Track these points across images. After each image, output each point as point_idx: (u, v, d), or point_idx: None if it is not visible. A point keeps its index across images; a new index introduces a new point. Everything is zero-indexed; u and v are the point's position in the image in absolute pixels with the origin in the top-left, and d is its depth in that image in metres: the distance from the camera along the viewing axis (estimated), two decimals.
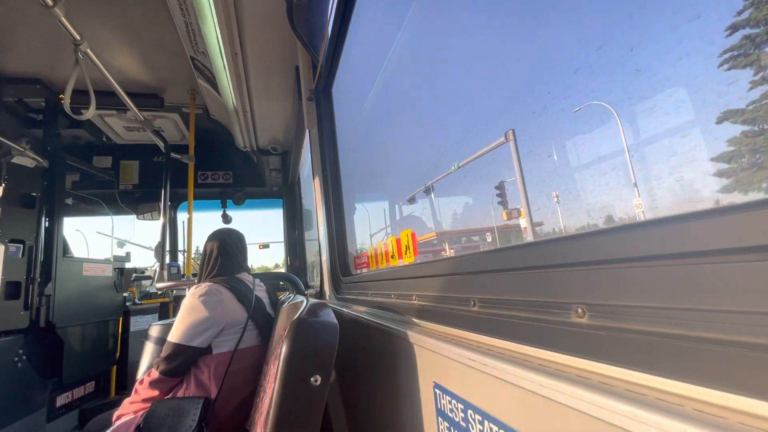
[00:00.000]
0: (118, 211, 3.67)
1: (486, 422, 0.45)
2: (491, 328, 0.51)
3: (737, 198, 0.56)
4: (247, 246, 1.94)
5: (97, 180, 3.44)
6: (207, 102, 2.82)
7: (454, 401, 0.53)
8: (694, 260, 0.29)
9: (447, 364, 0.55)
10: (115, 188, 3.46)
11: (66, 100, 1.86)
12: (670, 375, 0.29)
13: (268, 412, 0.61)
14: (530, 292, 0.46)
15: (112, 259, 3.28)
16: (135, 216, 3.74)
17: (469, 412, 0.49)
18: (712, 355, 0.27)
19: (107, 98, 2.59)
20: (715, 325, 0.27)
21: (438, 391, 0.58)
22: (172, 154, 2.82)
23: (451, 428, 0.54)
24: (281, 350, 0.63)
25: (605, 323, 0.35)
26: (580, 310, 0.38)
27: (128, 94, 2.33)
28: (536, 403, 0.38)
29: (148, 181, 3.55)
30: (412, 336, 0.66)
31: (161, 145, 2.70)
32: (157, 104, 2.86)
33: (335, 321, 0.70)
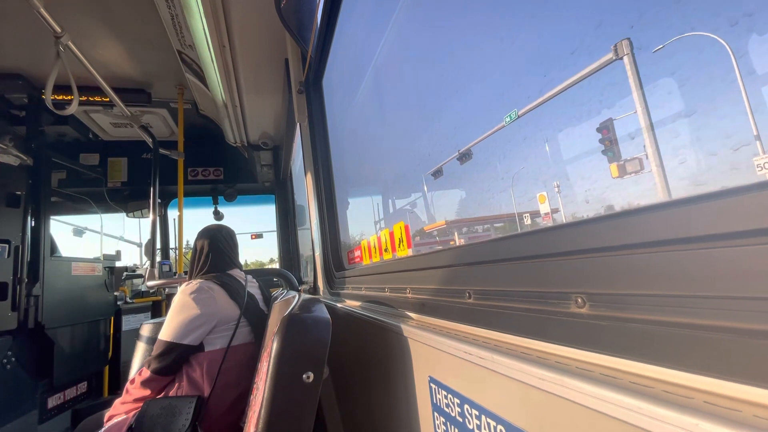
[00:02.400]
0: (107, 209, 3.61)
1: (483, 417, 0.44)
2: (487, 320, 0.50)
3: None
4: (238, 239, 1.91)
5: (85, 178, 3.38)
6: (195, 96, 2.77)
7: (450, 396, 0.51)
8: (698, 245, 0.28)
9: (442, 358, 0.53)
10: (104, 186, 3.40)
11: (47, 95, 1.80)
12: (678, 366, 0.27)
13: (260, 411, 0.59)
14: (527, 283, 0.45)
15: (101, 258, 3.23)
16: (125, 214, 3.68)
17: (466, 406, 0.47)
18: (723, 344, 0.25)
19: (92, 93, 2.53)
20: (724, 312, 0.25)
21: (433, 386, 0.56)
22: (161, 150, 2.76)
23: (448, 423, 0.52)
24: (272, 347, 0.61)
25: (607, 313, 0.34)
26: (580, 300, 0.37)
27: (114, 89, 2.27)
28: (536, 397, 0.36)
29: (137, 179, 3.49)
30: (407, 330, 0.65)
31: (149, 141, 2.65)
32: (144, 99, 2.80)
33: (328, 316, 0.68)
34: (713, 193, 0.28)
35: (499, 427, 0.41)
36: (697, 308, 0.27)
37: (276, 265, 4.49)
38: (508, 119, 1.40)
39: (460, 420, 0.49)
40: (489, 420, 0.43)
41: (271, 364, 0.60)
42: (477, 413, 0.45)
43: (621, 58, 0.98)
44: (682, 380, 0.27)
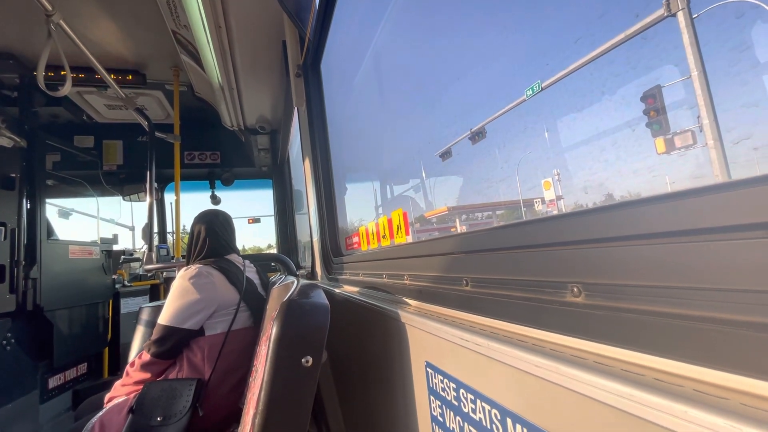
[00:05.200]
0: (103, 192, 3.59)
1: (479, 401, 0.45)
2: (484, 308, 0.50)
3: None
4: (235, 224, 1.90)
5: (80, 160, 3.34)
6: (191, 79, 2.72)
7: (446, 380, 0.53)
8: (692, 238, 0.28)
9: (439, 344, 0.54)
10: (99, 169, 3.37)
11: (39, 75, 1.77)
12: (669, 355, 0.28)
13: (259, 393, 0.61)
14: (524, 271, 0.45)
15: (99, 242, 3.22)
16: (121, 197, 3.66)
17: (462, 391, 0.48)
18: (712, 335, 0.26)
19: (85, 74, 2.48)
20: (716, 304, 0.26)
21: (430, 371, 0.57)
22: (157, 134, 2.73)
23: (443, 407, 0.54)
24: (272, 331, 0.62)
25: (602, 302, 0.34)
26: (576, 289, 0.37)
27: (107, 69, 2.22)
28: (530, 383, 0.37)
29: (133, 162, 3.46)
30: (404, 316, 0.66)
31: (145, 124, 2.61)
32: (139, 81, 2.75)
33: (326, 301, 0.69)
34: (706, 188, 0.28)
35: (494, 411, 0.42)
36: (689, 299, 0.27)
37: (274, 251, 4.50)
38: (529, 92, 1.32)
39: (456, 404, 0.50)
40: (484, 404, 0.44)
41: (270, 348, 0.61)
42: (473, 398, 0.46)
43: (674, 14, 0.84)
44: (672, 369, 0.28)
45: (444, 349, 0.53)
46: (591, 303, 0.35)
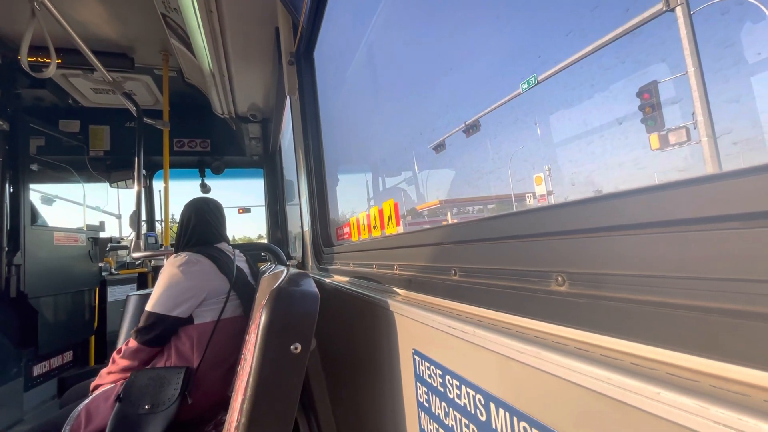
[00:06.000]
0: (89, 178, 3.52)
1: (463, 387, 0.46)
2: (471, 297, 0.51)
3: None
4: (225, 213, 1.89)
5: (65, 145, 3.27)
6: (181, 64, 2.67)
7: (432, 367, 0.54)
8: (670, 228, 0.29)
9: (427, 332, 0.55)
10: (85, 154, 3.30)
11: (23, 56, 1.72)
12: (645, 340, 0.29)
13: (248, 380, 0.61)
14: (511, 261, 0.46)
15: (85, 228, 3.17)
16: (108, 184, 3.59)
17: (447, 377, 0.50)
18: (686, 321, 0.27)
19: (71, 56, 2.41)
20: (692, 292, 0.27)
21: (417, 358, 0.58)
22: (145, 120, 2.68)
23: (430, 393, 0.55)
24: (261, 318, 0.62)
25: (585, 291, 0.35)
26: (560, 279, 0.38)
27: (94, 52, 2.17)
28: (514, 369, 0.38)
29: (120, 147, 3.39)
30: (393, 305, 0.67)
31: (133, 109, 2.56)
32: (127, 65, 2.69)
33: (316, 290, 0.70)
34: (684, 181, 0.29)
35: (479, 396, 0.43)
36: (666, 288, 0.28)
37: (264, 241, 4.48)
38: (525, 86, 1.32)
39: (442, 390, 0.51)
40: (469, 390, 0.45)
41: (259, 335, 0.61)
42: (458, 383, 0.47)
43: (673, 9, 0.83)
44: (648, 354, 0.29)
45: (431, 336, 0.54)
46: (574, 291, 0.36)
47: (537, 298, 0.40)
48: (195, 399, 1.41)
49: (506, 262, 0.47)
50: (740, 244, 0.25)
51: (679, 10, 0.84)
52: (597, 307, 0.33)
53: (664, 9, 0.86)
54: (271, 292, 0.65)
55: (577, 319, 0.35)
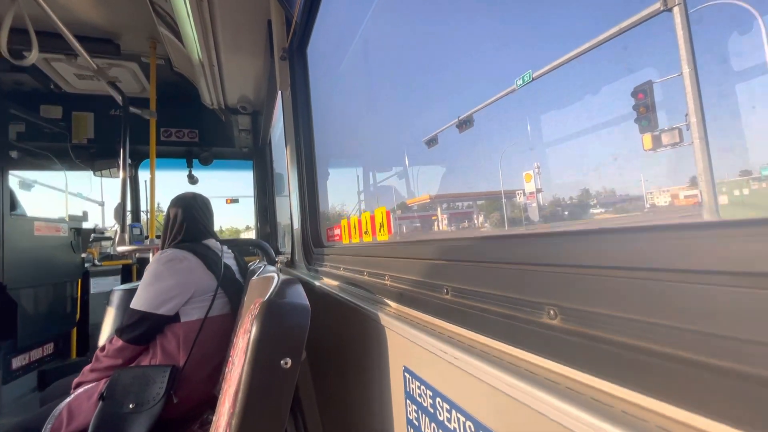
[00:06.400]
0: (72, 166, 3.41)
1: (454, 411, 0.47)
2: (463, 319, 0.52)
3: None
4: (213, 204, 1.86)
5: (47, 132, 3.16)
6: (169, 52, 2.59)
7: (423, 387, 0.54)
8: (667, 276, 0.29)
9: (417, 351, 0.55)
10: (68, 142, 3.20)
11: (2, 41, 1.65)
12: (637, 388, 0.30)
13: (236, 392, 0.61)
14: (504, 287, 0.46)
15: (67, 218, 3.09)
16: (92, 172, 3.50)
17: (438, 399, 0.50)
18: (681, 375, 0.27)
19: (53, 41, 2.32)
20: (685, 343, 0.27)
21: (407, 375, 0.59)
22: (131, 109, 2.60)
23: (419, 412, 0.55)
24: (251, 333, 0.61)
25: (577, 328, 0.36)
26: (552, 312, 0.39)
27: (77, 37, 2.09)
28: (504, 402, 0.39)
29: (105, 136, 3.30)
30: (384, 319, 0.67)
31: (118, 98, 2.49)
32: (112, 51, 2.60)
33: (306, 302, 0.69)
34: (686, 225, 0.29)
35: (468, 423, 0.44)
36: (661, 336, 0.29)
37: (252, 233, 4.44)
38: (520, 82, 1.32)
39: (432, 411, 0.52)
40: (459, 415, 0.45)
41: (249, 349, 0.60)
42: (448, 407, 0.48)
43: (670, 9, 0.82)
44: (641, 402, 0.29)
45: (422, 357, 0.54)
46: (566, 327, 0.37)
47: (529, 330, 0.40)
48: (180, 398, 1.40)
49: (499, 288, 0.47)
50: (735, 301, 0.25)
51: (676, 11, 0.84)
52: (589, 347, 0.34)
53: (661, 8, 0.86)
54: (261, 305, 0.64)
55: (569, 356, 0.36)
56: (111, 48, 2.59)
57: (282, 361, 0.60)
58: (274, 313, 0.63)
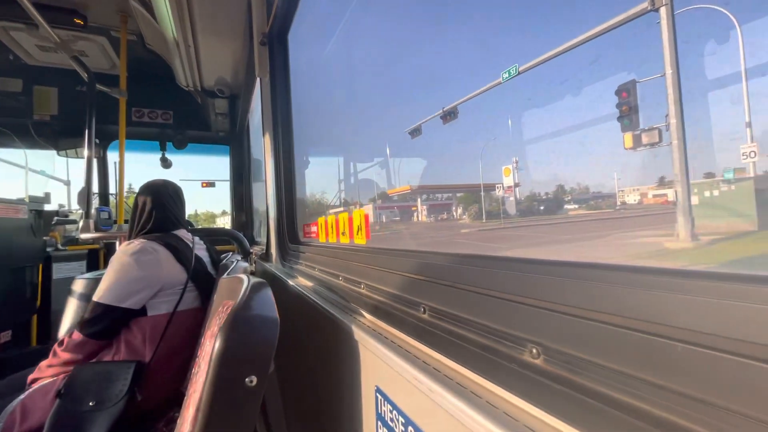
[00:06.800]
0: (33, 144, 3.20)
1: None
2: (439, 344, 0.49)
3: None
4: (188, 186, 1.78)
5: (4, 106, 2.94)
6: (141, 28, 2.43)
7: (395, 412, 0.52)
8: (654, 333, 0.27)
9: (391, 374, 0.53)
10: (28, 118, 2.99)
11: None
12: None
13: (197, 410, 0.57)
14: (484, 315, 0.44)
15: (27, 200, 2.90)
16: (55, 152, 3.29)
17: (410, 428, 0.48)
18: None
19: (11, 8, 2.13)
20: (667, 405, 0.25)
21: (380, 397, 0.56)
22: (99, 87, 2.44)
23: None
24: (214, 348, 0.57)
25: (561, 372, 0.33)
26: (534, 351, 0.36)
27: (38, 6, 1.92)
28: None
29: (70, 113, 3.09)
30: (357, 333, 0.64)
31: (83, 74, 2.32)
32: (78, 23, 2.41)
33: (275, 315, 0.65)
34: (685, 273, 0.27)
35: None
36: (648, 394, 0.27)
37: (228, 218, 4.31)
38: (506, 75, 1.30)
39: None
40: None
41: (211, 365, 0.56)
42: None
43: (657, 9, 0.82)
44: None
45: (396, 381, 0.52)
46: (550, 370, 0.34)
47: (510, 368, 0.38)
48: (145, 395, 1.34)
49: (479, 315, 0.44)
50: (728, 370, 0.23)
51: (663, 11, 0.83)
52: (571, 397, 0.32)
53: (648, 8, 0.85)
54: (227, 318, 0.60)
55: (550, 402, 0.33)
56: (77, 19, 2.40)
57: (247, 379, 0.56)
58: (239, 327, 0.59)
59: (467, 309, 0.46)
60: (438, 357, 0.49)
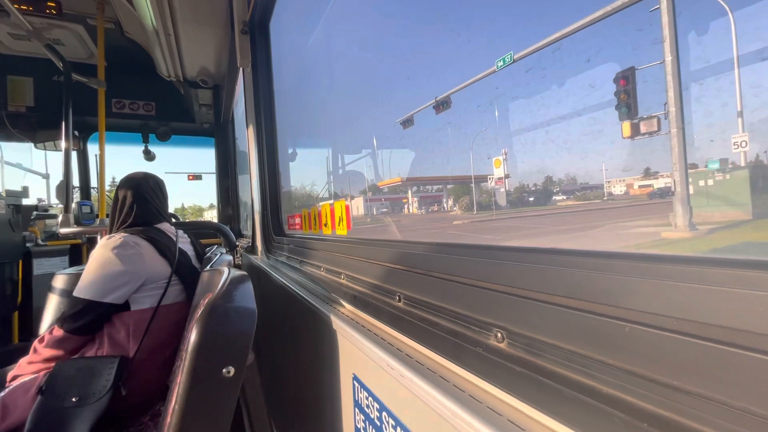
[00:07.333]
0: (9, 136, 3.10)
1: (398, 429, 0.45)
2: (413, 331, 0.50)
3: None
4: (173, 180, 1.75)
5: None
6: (119, 16, 2.36)
7: (370, 398, 0.52)
8: (615, 315, 0.28)
9: (366, 362, 0.53)
10: (2, 109, 2.89)
11: None
12: (580, 428, 0.29)
13: (174, 406, 0.57)
14: (454, 301, 0.45)
15: (3, 194, 2.82)
16: (32, 144, 3.20)
17: (384, 414, 0.48)
18: (622, 421, 0.26)
19: None
20: (633, 390, 0.26)
21: (356, 384, 0.57)
22: (75, 77, 2.37)
23: (367, 423, 0.54)
24: (190, 339, 0.57)
25: (523, 355, 0.34)
26: (499, 335, 0.37)
27: None
28: (447, 430, 0.37)
29: (47, 104, 3.00)
30: (336, 323, 0.64)
31: (58, 63, 2.25)
32: (52, 10, 2.33)
33: (254, 306, 0.65)
34: (649, 258, 0.28)
35: None
36: (604, 376, 0.28)
37: (215, 211, 4.26)
38: (500, 63, 1.28)
39: (378, 424, 0.50)
40: None
41: (187, 358, 0.56)
42: (393, 423, 0.46)
43: None
44: None
45: (371, 368, 0.52)
46: (513, 353, 0.35)
47: (476, 353, 0.39)
48: (130, 390, 1.33)
49: (450, 302, 0.45)
50: (683, 351, 0.24)
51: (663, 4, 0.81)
52: (532, 379, 0.32)
53: None
54: (203, 309, 0.59)
55: (512, 384, 0.34)
56: (50, 3, 2.32)
57: (224, 370, 0.56)
58: (217, 318, 0.58)
59: (439, 296, 0.47)
60: (411, 344, 0.50)
